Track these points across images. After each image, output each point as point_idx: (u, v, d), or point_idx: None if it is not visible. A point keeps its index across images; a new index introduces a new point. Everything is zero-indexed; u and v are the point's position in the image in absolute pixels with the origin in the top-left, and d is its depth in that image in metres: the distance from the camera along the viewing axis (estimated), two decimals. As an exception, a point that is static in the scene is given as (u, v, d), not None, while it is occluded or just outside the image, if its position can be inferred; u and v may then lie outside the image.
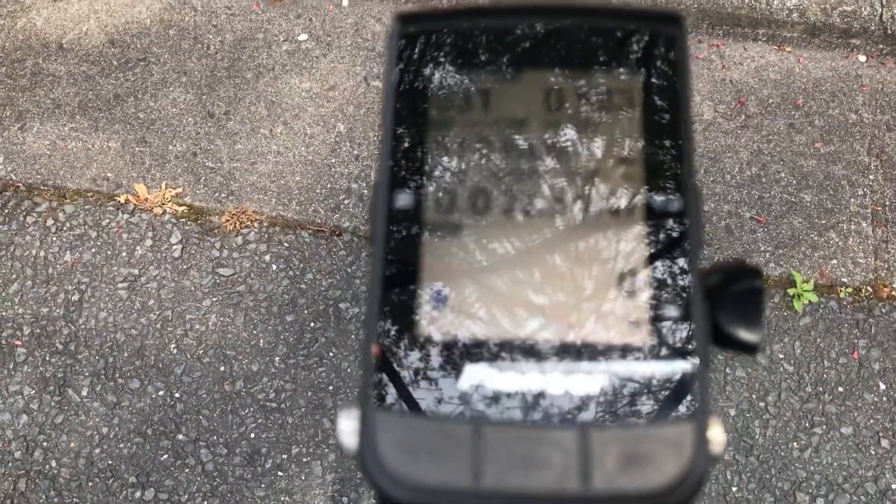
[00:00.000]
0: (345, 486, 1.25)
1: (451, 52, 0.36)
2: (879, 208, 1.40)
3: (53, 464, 1.25)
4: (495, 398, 0.31)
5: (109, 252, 1.38)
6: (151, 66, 1.52)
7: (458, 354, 0.32)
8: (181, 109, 1.48)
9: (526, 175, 0.34)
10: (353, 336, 1.32)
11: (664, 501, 0.29)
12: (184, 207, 1.40)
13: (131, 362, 1.32)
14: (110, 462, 1.26)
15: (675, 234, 0.33)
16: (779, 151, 1.44)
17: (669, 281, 0.32)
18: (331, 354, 1.31)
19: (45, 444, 1.26)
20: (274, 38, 1.54)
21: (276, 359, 1.31)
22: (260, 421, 1.28)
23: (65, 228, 1.40)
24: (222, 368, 1.31)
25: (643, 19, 0.36)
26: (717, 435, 0.32)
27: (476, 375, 0.31)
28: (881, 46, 1.53)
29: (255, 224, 1.39)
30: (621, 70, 0.35)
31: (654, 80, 0.35)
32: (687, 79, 0.35)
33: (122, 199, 1.41)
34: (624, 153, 0.34)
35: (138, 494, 1.24)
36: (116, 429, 1.28)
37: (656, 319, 0.32)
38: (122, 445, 1.27)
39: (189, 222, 1.40)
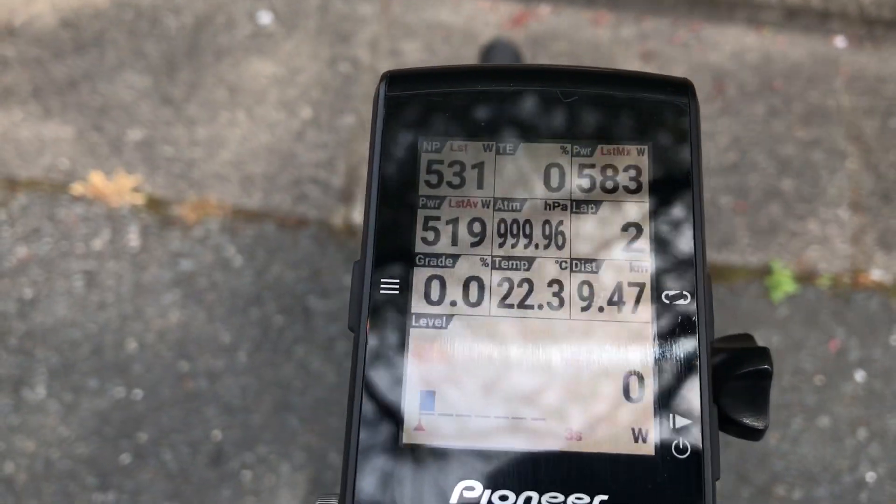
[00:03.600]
0: (314, 486, 1.21)
1: (442, 117, 0.33)
2: (858, 195, 1.38)
3: (10, 466, 1.20)
4: None
5: (65, 245, 1.32)
6: (107, 50, 1.45)
7: (448, 465, 0.29)
8: (138, 94, 1.42)
9: (523, 262, 0.31)
10: (320, 332, 1.28)
11: None
12: (142, 198, 1.35)
13: (90, 360, 1.26)
14: (69, 464, 1.21)
15: (685, 331, 0.30)
16: (757, 137, 1.40)
17: (678, 386, 0.29)
18: (298, 350, 1.27)
19: (1, 446, 1.21)
20: (235, 20, 1.48)
21: (241, 355, 1.26)
22: (224, 419, 1.23)
23: (17, 221, 1.33)
24: (185, 366, 1.26)
25: (648, 85, 0.33)
26: None
27: (468, 491, 0.28)
28: (859, 30, 1.49)
29: (218, 215, 1.34)
30: (626, 142, 0.32)
31: (662, 154, 0.32)
32: (699, 153, 0.33)
33: (77, 189, 1.35)
34: (631, 238, 0.31)
35: (99, 497, 1.20)
36: (75, 429, 1.23)
37: (664, 428, 0.29)
38: (81, 446, 1.22)
39: (148, 213, 1.34)
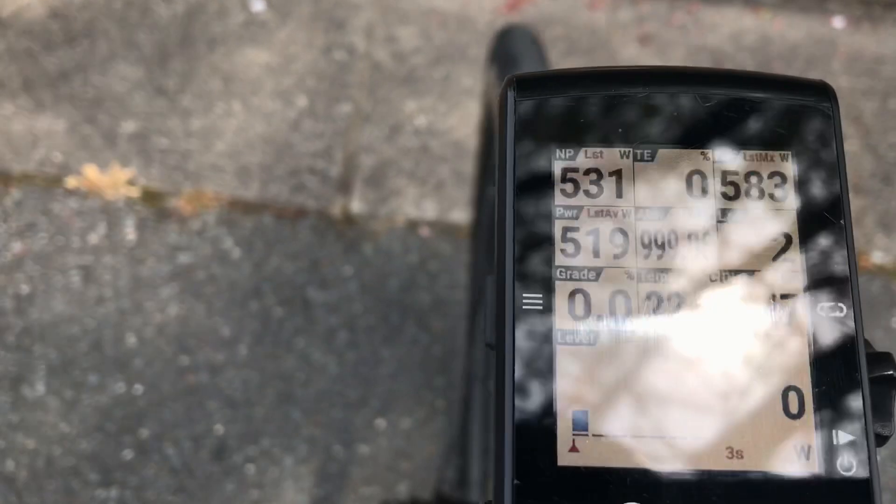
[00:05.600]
0: (318, 479, 1.21)
1: (575, 123, 0.31)
2: (857, 177, 1.37)
3: (11, 464, 1.20)
4: None
5: (61, 240, 1.31)
6: (98, 40, 1.43)
7: (606, 486, 0.28)
8: (131, 86, 1.40)
9: (669, 274, 0.30)
10: (321, 323, 1.27)
11: None
12: (138, 191, 1.33)
13: (89, 356, 1.25)
14: (71, 460, 1.20)
15: (843, 345, 0.29)
16: (756, 120, 1.40)
17: (839, 401, 0.28)
18: (299, 342, 1.26)
19: (1, 444, 1.20)
20: (228, 8, 1.46)
21: (242, 348, 1.26)
22: (227, 413, 1.23)
23: (12, 216, 1.32)
24: (185, 360, 1.25)
25: (787, 88, 0.31)
26: None
27: None
28: (857, 10, 1.49)
29: (215, 207, 1.33)
30: (770, 147, 0.31)
31: (807, 159, 0.31)
32: (843, 158, 0.31)
33: (71, 183, 1.33)
34: (780, 248, 0.30)
35: (102, 493, 1.19)
36: (76, 426, 1.22)
37: (827, 444, 0.28)
38: (82, 443, 1.21)
39: (144, 206, 1.33)
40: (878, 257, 1.33)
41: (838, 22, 1.48)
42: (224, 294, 1.28)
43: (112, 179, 1.33)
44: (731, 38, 1.45)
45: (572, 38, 1.44)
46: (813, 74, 1.41)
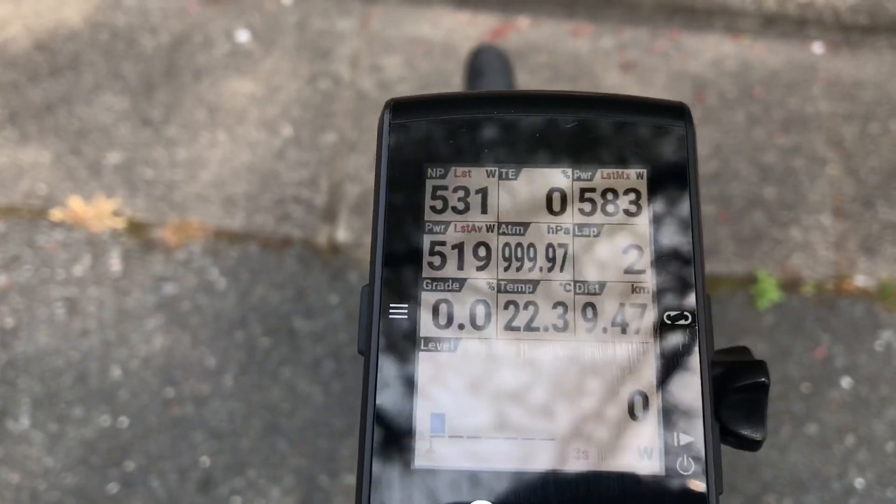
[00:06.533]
0: (304, 510, 1.20)
1: (445, 144, 0.34)
2: (839, 201, 1.38)
3: (-6, 498, 1.19)
4: None
5: (46, 272, 1.31)
6: (83, 72, 1.43)
7: (459, 485, 0.30)
8: (116, 116, 1.40)
9: (527, 285, 0.32)
10: (307, 353, 1.27)
11: None
12: (123, 221, 1.33)
13: (74, 388, 1.25)
14: (56, 495, 1.19)
15: (687, 349, 0.31)
16: (738, 145, 1.41)
17: (682, 404, 0.31)
18: (284, 372, 1.26)
19: (-17, 479, 1.19)
20: (213, 39, 1.47)
21: (227, 379, 1.25)
22: (212, 444, 1.22)
23: (-4, 249, 1.32)
24: (170, 391, 1.25)
25: (646, 110, 0.34)
26: None
27: None
28: (836, 36, 1.50)
29: (200, 237, 1.33)
30: (625, 166, 0.33)
31: (660, 177, 0.33)
32: (696, 176, 0.34)
33: (56, 215, 1.33)
34: (633, 261, 0.32)
35: (86, 527, 1.18)
36: (61, 459, 1.21)
37: (669, 445, 0.30)
38: (67, 477, 1.21)
39: (129, 237, 1.33)
40: (860, 281, 1.34)
41: (818, 47, 1.50)
42: (209, 324, 1.28)
43: (97, 211, 1.33)
44: (712, 64, 1.47)
45: (556, 66, 1.45)
46: (794, 100, 1.42)
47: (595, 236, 0.33)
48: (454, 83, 1.41)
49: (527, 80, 1.42)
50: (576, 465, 0.30)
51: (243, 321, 1.28)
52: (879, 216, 1.38)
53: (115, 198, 1.35)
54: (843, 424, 1.27)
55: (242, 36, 1.47)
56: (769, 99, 1.45)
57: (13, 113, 1.40)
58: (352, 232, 1.33)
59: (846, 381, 1.29)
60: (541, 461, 0.30)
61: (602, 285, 0.32)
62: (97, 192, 1.35)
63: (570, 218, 0.33)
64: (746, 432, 0.35)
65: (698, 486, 0.30)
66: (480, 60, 0.93)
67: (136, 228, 1.33)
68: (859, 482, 1.24)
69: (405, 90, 1.42)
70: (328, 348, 1.27)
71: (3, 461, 1.21)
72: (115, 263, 1.31)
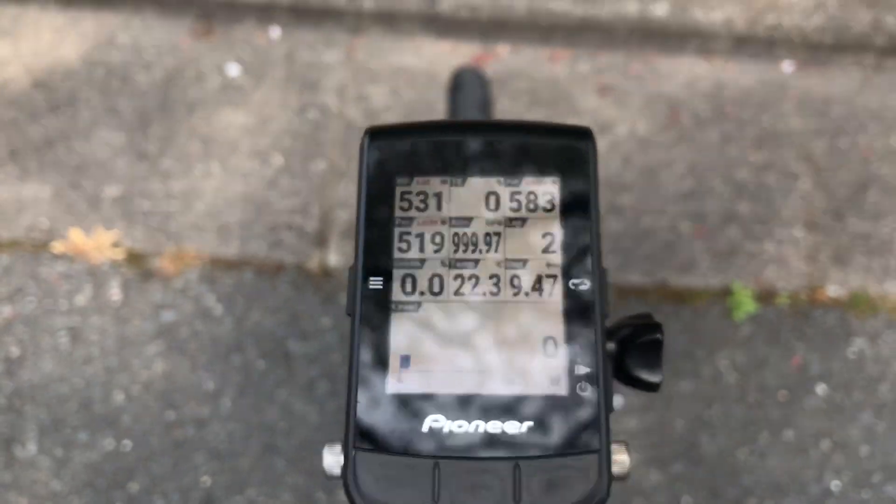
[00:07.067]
0: (302, 526, 1.25)
1: (410, 160, 0.45)
2: (811, 214, 1.44)
3: (4, 523, 1.24)
4: (449, 438, 0.40)
5: (49, 303, 1.36)
6: (81, 108, 1.49)
7: (421, 404, 0.41)
8: (113, 151, 1.46)
9: (471, 262, 0.44)
10: (301, 374, 1.32)
11: None
12: (122, 252, 1.38)
13: (78, 414, 1.30)
14: (62, 517, 1.24)
15: (586, 307, 0.42)
16: (713, 163, 1.46)
17: (581, 345, 0.42)
18: (281, 394, 1.31)
19: (-7, 504, 1.24)
20: (205, 74, 1.52)
21: (226, 401, 1.30)
22: (213, 465, 1.27)
23: (1, 282, 1.37)
24: (171, 414, 1.30)
25: (559, 133, 0.46)
26: (621, 459, 0.45)
27: (434, 422, 0.40)
28: (804, 55, 1.56)
29: (197, 265, 1.38)
30: (544, 175, 0.45)
31: (569, 183, 0.45)
32: (596, 181, 0.45)
33: (57, 247, 1.38)
34: (548, 244, 0.44)
35: (93, 548, 1.23)
36: (67, 483, 1.26)
37: (571, 376, 0.41)
38: (74, 500, 1.25)
39: (128, 267, 1.38)
40: (833, 291, 1.39)
41: (787, 66, 1.55)
42: (207, 349, 1.33)
43: (97, 242, 1.38)
44: (686, 85, 1.52)
45: (535, 91, 1.50)
46: (766, 117, 1.48)
47: (520, 227, 0.44)
48: (438, 109, 1.47)
49: (507, 106, 1.48)
50: (505, 389, 0.41)
51: (240, 345, 1.33)
52: (850, 228, 1.43)
53: (114, 229, 1.40)
54: (819, 430, 1.32)
55: (233, 70, 1.52)
56: (742, 117, 1.50)
57: (14, 150, 1.46)
58: (343, 256, 1.39)
59: (821, 388, 1.34)
60: (480, 387, 0.41)
61: (525, 262, 0.43)
62: (96, 225, 1.40)
63: (503, 213, 0.44)
64: (646, 376, 0.49)
65: (593, 402, 0.41)
66: (461, 78, 1.10)
67: (134, 259, 1.39)
68: (835, 485, 1.29)
69: (391, 118, 1.48)
70: (322, 369, 1.33)
71: (11, 486, 1.26)
72: (115, 293, 1.36)
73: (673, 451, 1.30)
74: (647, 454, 1.29)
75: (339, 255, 1.39)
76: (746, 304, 1.37)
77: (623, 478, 0.45)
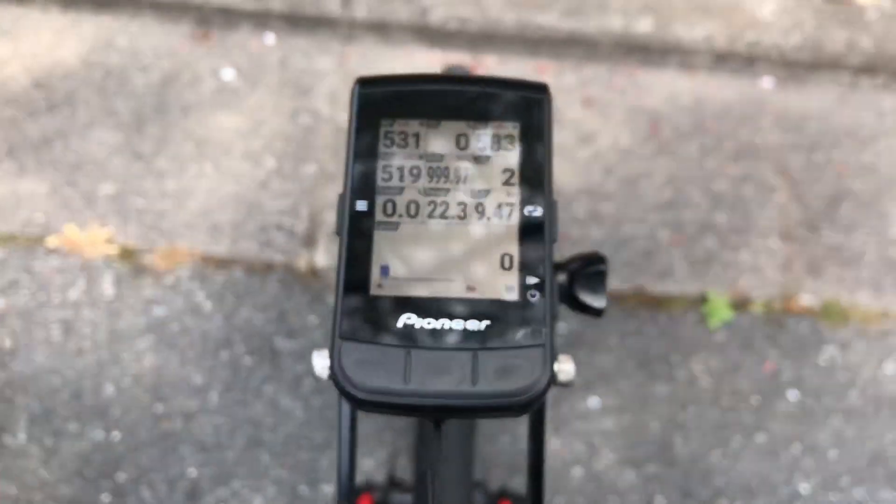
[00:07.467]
0: (285, 518, 1.28)
1: (393, 105, 0.53)
2: (786, 226, 1.48)
3: (-7, 510, 1.26)
4: (419, 332, 0.47)
5: (42, 296, 1.39)
6: (78, 108, 1.53)
7: (396, 305, 0.48)
8: (110, 150, 1.50)
9: (442, 191, 0.51)
10: (288, 371, 1.36)
11: (522, 397, 0.46)
12: (115, 248, 1.42)
13: (69, 405, 1.33)
14: (50, 506, 1.27)
15: (538, 230, 0.50)
16: (691, 175, 1.51)
17: (532, 260, 0.49)
18: (267, 389, 1.34)
19: (-17, 491, 1.27)
20: (200, 77, 1.56)
21: (213, 396, 1.34)
22: (199, 457, 1.31)
23: (-4, 274, 1.40)
24: (160, 407, 1.33)
25: (521, 87, 0.54)
26: (567, 368, 0.54)
27: (408, 320, 0.47)
28: (783, 72, 1.61)
29: (188, 263, 1.42)
30: (507, 120, 0.52)
31: (528, 127, 0.52)
32: (550, 127, 0.53)
33: (52, 242, 1.42)
34: (507, 178, 0.51)
35: (80, 536, 1.26)
36: (56, 472, 1.29)
37: (523, 285, 0.49)
38: (62, 488, 1.28)
39: (121, 263, 1.41)
40: (806, 300, 1.44)
41: (767, 82, 1.61)
42: (196, 345, 1.37)
43: (91, 238, 1.42)
44: (667, 99, 1.57)
45: (521, 101, 1.55)
46: (744, 131, 1.53)
47: (485, 163, 0.52)
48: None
49: (494, 115, 1.52)
50: (468, 294, 0.48)
51: (228, 341, 1.37)
52: (823, 240, 1.48)
53: (108, 226, 1.44)
54: (790, 434, 1.36)
55: (228, 74, 1.57)
56: (721, 131, 1.55)
57: (12, 147, 1.49)
58: (331, 257, 1.43)
59: (793, 394, 1.38)
60: (446, 292, 0.48)
61: (488, 192, 0.51)
62: (91, 221, 1.44)
63: (470, 152, 0.52)
64: (591, 301, 0.61)
65: (540, 307, 0.48)
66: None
67: (127, 255, 1.42)
68: (804, 487, 1.33)
69: (381, 124, 1.52)
70: (308, 366, 1.36)
71: (1, 474, 1.29)
72: (107, 288, 1.40)
73: (647, 452, 1.34)
74: (623, 454, 1.33)
75: (326, 256, 1.43)
76: (722, 312, 1.41)
77: (568, 384, 0.55)
